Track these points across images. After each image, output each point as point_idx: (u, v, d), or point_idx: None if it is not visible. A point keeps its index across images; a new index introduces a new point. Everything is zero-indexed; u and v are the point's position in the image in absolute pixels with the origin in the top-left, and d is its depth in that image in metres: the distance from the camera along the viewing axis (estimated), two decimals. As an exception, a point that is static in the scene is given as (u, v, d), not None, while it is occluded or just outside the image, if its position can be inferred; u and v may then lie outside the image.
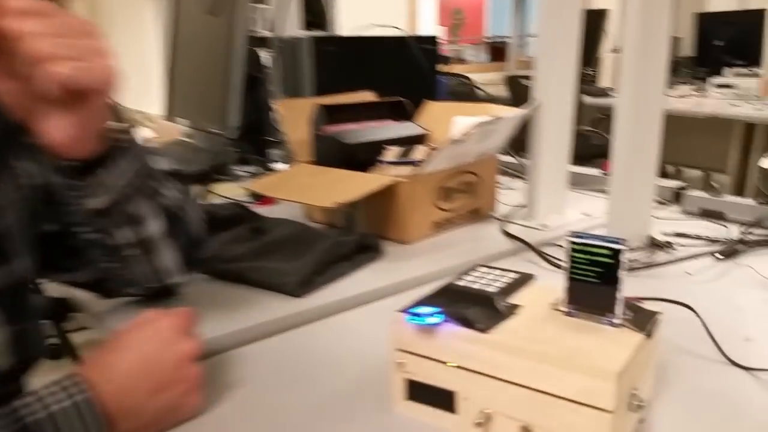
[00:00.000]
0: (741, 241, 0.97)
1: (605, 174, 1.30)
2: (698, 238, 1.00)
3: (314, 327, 0.75)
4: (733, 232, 1.02)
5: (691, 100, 3.19)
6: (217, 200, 1.18)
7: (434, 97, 1.31)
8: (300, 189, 1.00)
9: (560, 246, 0.96)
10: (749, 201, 1.10)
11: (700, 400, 0.58)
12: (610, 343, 0.50)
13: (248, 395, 0.60)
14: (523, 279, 0.61)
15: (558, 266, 0.88)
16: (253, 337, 0.71)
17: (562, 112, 1.03)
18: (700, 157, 3.31)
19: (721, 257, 0.92)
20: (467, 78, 3.77)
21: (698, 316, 0.67)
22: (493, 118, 0.98)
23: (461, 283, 0.60)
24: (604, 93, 3.46)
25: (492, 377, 0.51)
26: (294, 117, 1.08)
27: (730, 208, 1.09)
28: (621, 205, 0.93)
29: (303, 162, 1.07)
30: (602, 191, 1.25)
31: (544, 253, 0.91)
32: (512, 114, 1.03)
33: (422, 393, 0.55)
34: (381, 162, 1.00)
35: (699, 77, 3.70)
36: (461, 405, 0.53)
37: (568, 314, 0.54)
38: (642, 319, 0.54)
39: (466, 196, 1.03)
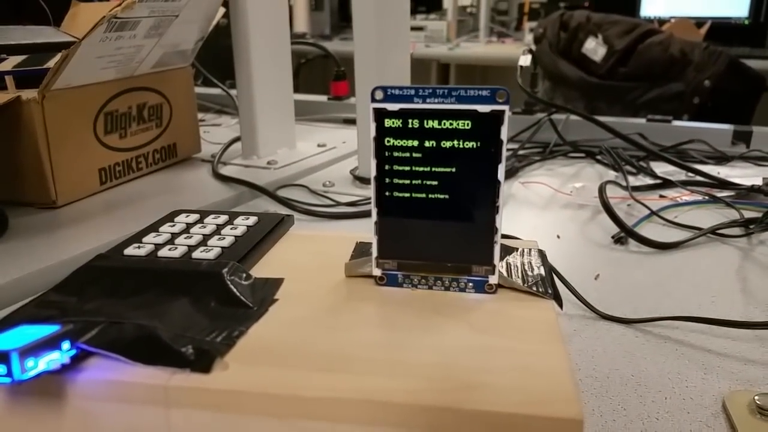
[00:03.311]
0: (514, 156, 0.78)
1: (336, 99, 1.04)
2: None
3: None
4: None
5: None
6: None
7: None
8: None
9: (303, 186, 0.66)
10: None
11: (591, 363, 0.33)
12: (512, 337, 0.21)
13: None
14: (271, 225, 0.30)
15: (310, 213, 0.58)
16: None
17: (277, 25, 0.72)
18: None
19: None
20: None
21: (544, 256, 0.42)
22: None
23: (133, 251, 0.26)
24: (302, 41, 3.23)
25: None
26: None
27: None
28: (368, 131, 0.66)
29: None
30: (332, 120, 0.99)
31: (281, 197, 0.61)
32: None
33: None
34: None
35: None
36: None
37: (385, 283, 0.24)
38: (528, 271, 0.26)
39: (151, 127, 0.68)
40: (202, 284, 0.23)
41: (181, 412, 0.18)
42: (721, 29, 2.14)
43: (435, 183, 0.22)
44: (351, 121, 0.95)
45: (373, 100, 0.22)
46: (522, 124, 0.86)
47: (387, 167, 0.22)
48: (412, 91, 0.21)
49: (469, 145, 0.22)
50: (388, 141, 0.22)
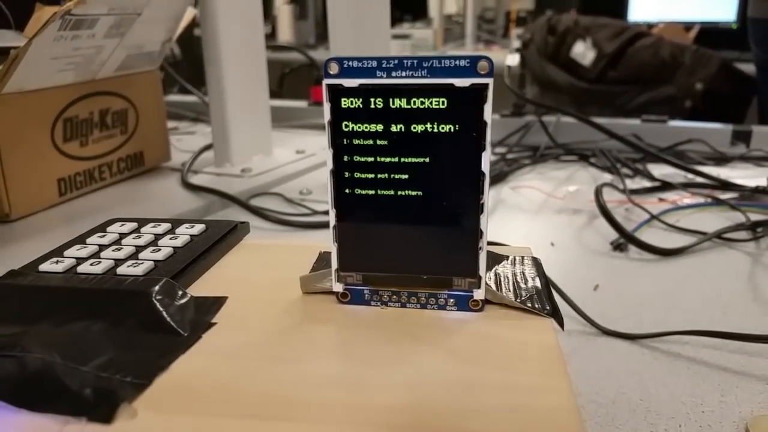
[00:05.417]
0: (503, 160, 0.74)
1: (317, 104, 1.00)
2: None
3: None
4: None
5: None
6: None
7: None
8: None
9: (278, 195, 0.62)
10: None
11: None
12: (504, 367, 0.17)
13: None
14: (220, 234, 0.25)
15: (283, 222, 0.54)
16: None
17: (250, 25, 0.68)
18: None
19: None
20: None
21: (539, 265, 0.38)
22: None
23: (50, 266, 0.22)
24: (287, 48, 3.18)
25: None
26: None
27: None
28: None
29: None
30: (313, 126, 0.95)
31: (252, 206, 0.56)
32: None
33: None
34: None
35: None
36: None
37: (349, 300, 0.20)
38: (522, 283, 0.22)
39: (116, 134, 0.63)
40: (123, 306, 0.19)
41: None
42: (709, 33, 2.12)
43: (405, 177, 0.18)
44: (333, 128, 0.91)
45: (326, 74, 0.18)
46: (510, 127, 0.82)
47: (346, 158, 0.18)
48: (374, 63, 0.17)
49: (446, 128, 0.17)
50: (346, 126, 0.18)
